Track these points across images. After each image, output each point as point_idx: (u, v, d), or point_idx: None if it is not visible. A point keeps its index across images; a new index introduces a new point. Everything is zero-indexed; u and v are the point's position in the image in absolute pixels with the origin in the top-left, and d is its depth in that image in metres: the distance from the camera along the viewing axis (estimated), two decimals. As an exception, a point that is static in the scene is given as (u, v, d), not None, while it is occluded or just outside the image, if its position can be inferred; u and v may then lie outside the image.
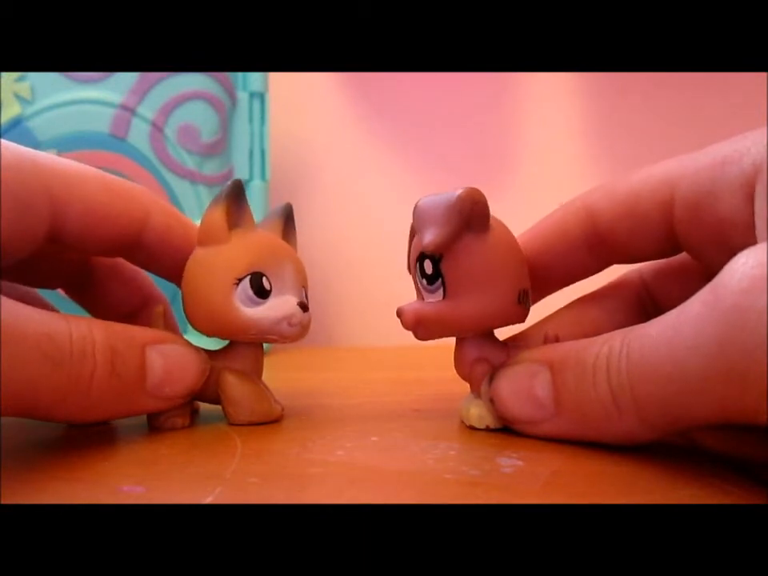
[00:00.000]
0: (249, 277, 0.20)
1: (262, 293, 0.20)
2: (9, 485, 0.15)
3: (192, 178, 0.38)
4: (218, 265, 0.20)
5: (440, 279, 0.19)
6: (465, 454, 0.18)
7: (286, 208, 0.23)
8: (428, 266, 0.20)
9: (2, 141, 0.18)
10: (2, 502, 0.14)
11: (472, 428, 0.20)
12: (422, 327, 0.20)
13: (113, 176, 0.21)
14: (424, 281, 0.20)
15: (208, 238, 0.20)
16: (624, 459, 0.17)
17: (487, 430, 0.20)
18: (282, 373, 0.23)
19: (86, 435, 0.20)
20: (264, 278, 0.20)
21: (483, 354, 0.20)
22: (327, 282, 0.50)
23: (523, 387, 0.19)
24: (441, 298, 0.19)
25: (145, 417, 0.21)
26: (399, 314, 0.20)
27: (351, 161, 0.52)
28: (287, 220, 0.23)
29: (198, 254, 0.21)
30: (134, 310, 0.25)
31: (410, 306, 0.20)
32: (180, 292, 0.21)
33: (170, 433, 0.20)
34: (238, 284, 0.20)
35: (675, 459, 0.18)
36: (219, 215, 0.20)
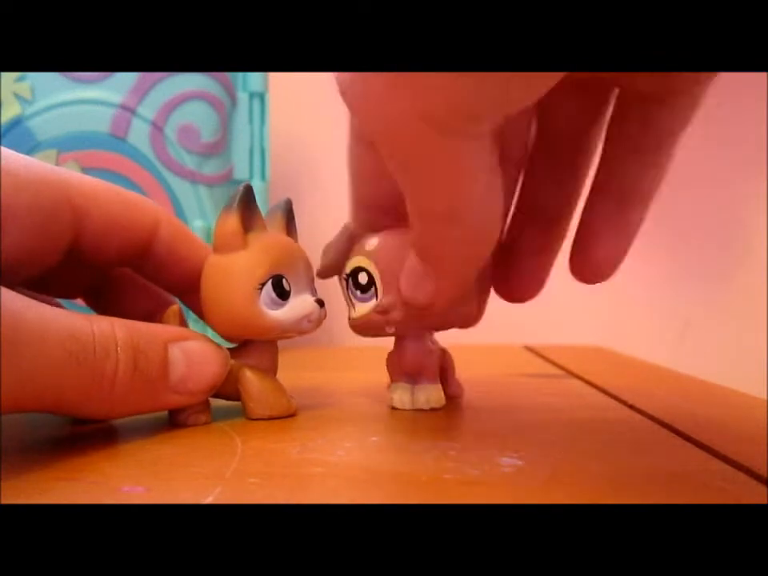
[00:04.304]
0: (271, 280, 0.20)
1: (283, 294, 0.21)
2: (9, 485, 0.15)
3: (192, 177, 0.37)
4: (240, 271, 0.20)
5: None
6: (465, 453, 0.18)
7: (286, 204, 0.23)
8: None
9: (25, 156, 0.19)
10: (3, 502, 0.14)
11: (432, 410, 0.23)
12: (406, 324, 0.22)
13: (123, 188, 0.22)
14: None
15: (225, 244, 0.21)
16: (623, 459, 0.17)
17: (432, 410, 0.23)
18: (282, 372, 0.23)
19: (87, 435, 0.20)
20: (284, 280, 0.21)
21: (428, 347, 0.23)
22: (327, 282, 0.50)
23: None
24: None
25: (147, 415, 0.21)
26: (384, 311, 0.21)
27: (351, 161, 0.52)
28: (289, 216, 0.23)
29: (217, 261, 0.21)
30: (149, 315, 0.25)
31: (400, 308, 0.21)
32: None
33: (170, 433, 0.20)
34: (261, 288, 0.20)
35: (675, 459, 0.18)
36: (234, 221, 0.20)
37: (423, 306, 0.20)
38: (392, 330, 0.22)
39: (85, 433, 0.20)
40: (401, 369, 0.23)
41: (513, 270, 0.23)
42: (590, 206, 0.21)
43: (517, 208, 0.23)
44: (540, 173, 0.22)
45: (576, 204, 0.22)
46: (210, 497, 0.14)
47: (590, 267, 0.21)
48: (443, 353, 0.24)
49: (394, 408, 0.23)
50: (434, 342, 0.24)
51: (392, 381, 0.24)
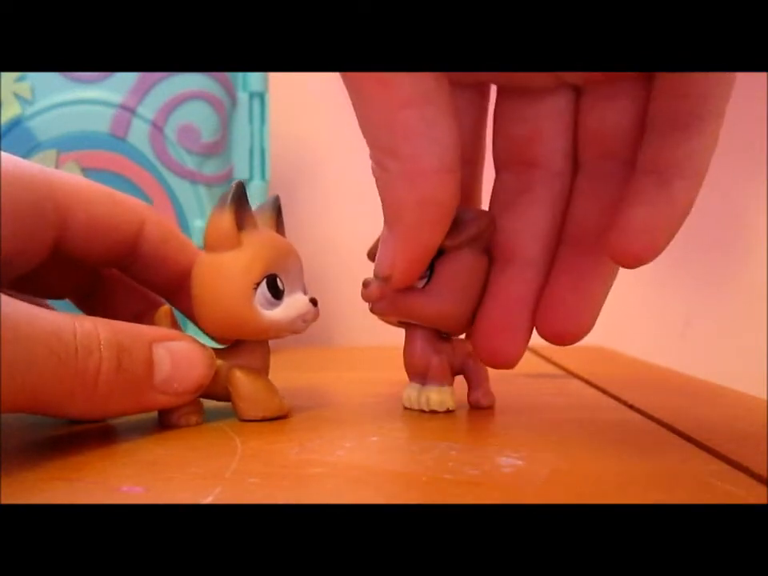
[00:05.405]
0: (265, 280, 0.20)
1: (277, 294, 0.21)
2: (9, 485, 0.15)
3: (192, 177, 0.37)
4: (235, 271, 0.20)
5: (429, 272, 0.21)
6: (465, 453, 0.18)
7: (275, 200, 0.23)
8: None
9: (5, 153, 0.19)
10: (2, 502, 0.14)
11: (433, 412, 0.23)
12: (383, 303, 0.22)
13: (110, 187, 0.22)
14: None
15: (218, 243, 0.20)
16: (624, 459, 0.17)
17: (446, 412, 0.23)
18: (282, 373, 0.23)
19: (86, 435, 0.20)
20: (278, 279, 0.21)
21: (436, 347, 0.23)
22: (327, 282, 0.50)
23: None
24: (421, 286, 0.22)
25: (145, 416, 0.21)
26: (366, 284, 0.22)
27: (351, 161, 0.52)
28: (278, 213, 0.23)
29: (210, 260, 0.20)
30: (139, 316, 0.25)
31: (378, 282, 0.21)
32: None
33: (170, 433, 0.20)
34: (256, 288, 0.20)
35: (675, 459, 0.18)
36: (228, 220, 0.20)
37: (384, 277, 0.20)
38: (371, 306, 0.22)
39: (83, 433, 0.20)
40: (409, 368, 0.23)
41: (548, 299, 0.21)
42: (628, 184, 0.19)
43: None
44: (580, 183, 0.21)
45: None
46: (210, 497, 0.14)
47: (626, 246, 0.18)
48: (469, 358, 0.24)
49: (405, 407, 0.24)
50: (458, 346, 0.24)
51: (409, 380, 0.24)
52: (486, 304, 0.22)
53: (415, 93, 0.17)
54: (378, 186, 0.19)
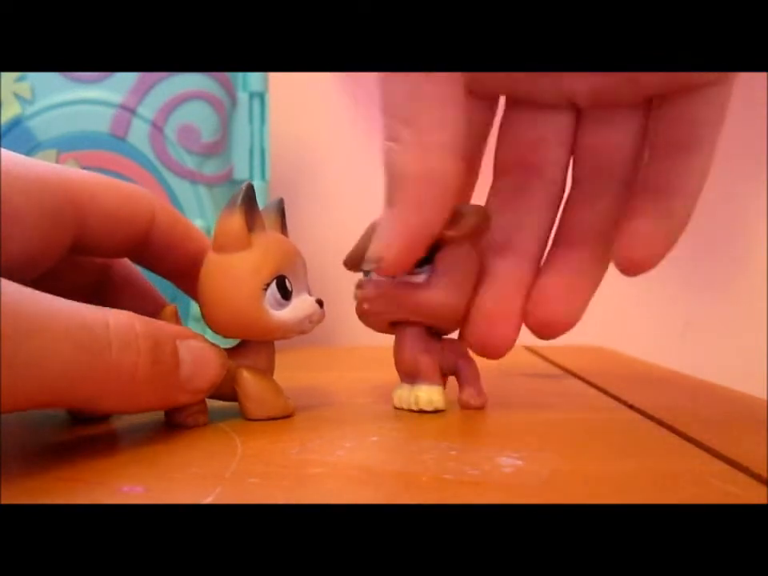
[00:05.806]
0: (275, 281, 0.20)
1: (286, 295, 0.21)
2: (9, 485, 0.15)
3: (192, 177, 0.37)
4: (245, 272, 0.20)
5: (429, 266, 0.22)
6: (465, 454, 0.18)
7: (280, 203, 0.23)
8: None
9: (25, 157, 0.19)
10: (2, 502, 0.14)
11: (422, 411, 0.23)
12: (382, 302, 0.22)
13: (119, 180, 0.22)
14: None
15: (229, 244, 0.20)
16: (623, 459, 0.17)
17: (435, 411, 0.23)
18: (282, 372, 0.23)
19: (87, 436, 0.20)
20: (286, 280, 0.21)
21: (426, 346, 0.23)
22: (327, 282, 0.50)
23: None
24: (421, 280, 0.22)
25: (145, 416, 0.21)
26: (361, 285, 0.22)
27: (351, 161, 0.52)
28: (283, 215, 0.23)
29: (220, 260, 0.20)
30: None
31: (373, 280, 0.22)
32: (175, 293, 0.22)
33: (170, 433, 0.20)
34: (266, 289, 0.20)
35: (675, 459, 0.18)
36: (239, 221, 0.20)
37: (376, 258, 0.20)
38: (367, 306, 0.22)
39: (84, 433, 0.20)
40: (399, 367, 0.23)
41: (539, 292, 0.23)
42: (630, 199, 0.22)
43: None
44: (575, 193, 0.23)
45: (608, 231, 0.22)
46: (210, 497, 0.14)
47: (629, 255, 0.21)
48: (460, 358, 0.24)
49: (395, 407, 0.23)
50: (449, 346, 0.24)
51: (401, 380, 0.24)
52: (481, 294, 0.23)
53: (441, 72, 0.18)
54: (385, 161, 0.19)
